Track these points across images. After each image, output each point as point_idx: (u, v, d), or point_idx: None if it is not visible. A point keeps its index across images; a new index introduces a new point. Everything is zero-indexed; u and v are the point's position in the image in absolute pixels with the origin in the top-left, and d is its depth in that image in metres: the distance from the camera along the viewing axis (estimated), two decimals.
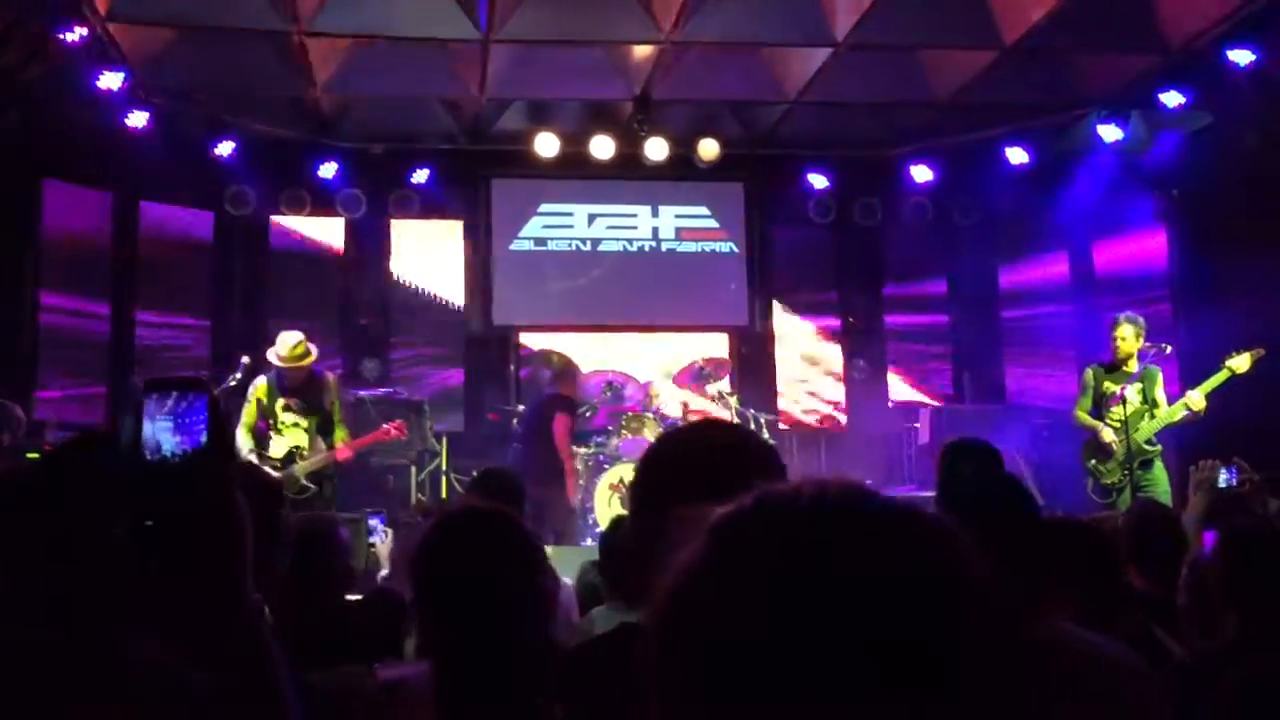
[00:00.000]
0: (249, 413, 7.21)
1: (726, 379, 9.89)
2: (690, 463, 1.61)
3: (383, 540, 7.89)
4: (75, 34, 7.76)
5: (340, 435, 7.30)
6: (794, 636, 0.70)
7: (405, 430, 7.95)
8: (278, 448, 7.18)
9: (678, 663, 0.74)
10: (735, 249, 11.33)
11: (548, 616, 2.07)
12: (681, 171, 10.68)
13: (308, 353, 7.24)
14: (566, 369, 8.97)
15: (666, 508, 1.62)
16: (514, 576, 1.92)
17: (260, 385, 7.24)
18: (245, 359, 7.63)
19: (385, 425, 7.74)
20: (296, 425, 7.21)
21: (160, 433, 1.27)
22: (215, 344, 10.36)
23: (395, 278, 10.99)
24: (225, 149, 9.76)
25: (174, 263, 10.37)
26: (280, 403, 7.20)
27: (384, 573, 7.43)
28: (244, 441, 7.07)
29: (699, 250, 11.32)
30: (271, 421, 7.21)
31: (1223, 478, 4.79)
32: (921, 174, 10.70)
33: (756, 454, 1.64)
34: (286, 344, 7.17)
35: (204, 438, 1.25)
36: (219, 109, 9.72)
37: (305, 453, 7.15)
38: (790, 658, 0.70)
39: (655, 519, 1.67)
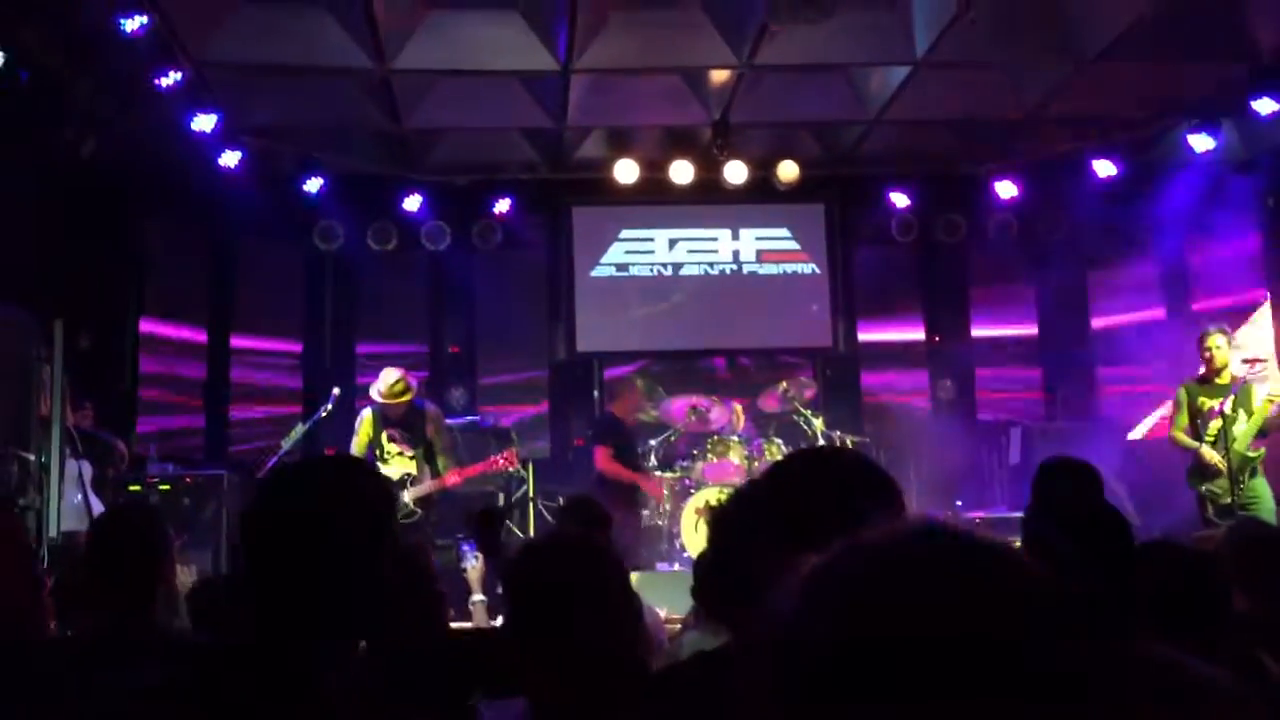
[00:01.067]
0: (358, 445, 7.56)
1: (811, 400, 9.83)
2: (811, 494, 1.64)
3: (473, 565, 8.01)
4: (170, 78, 8.03)
5: (444, 463, 7.58)
6: (876, 702, 0.70)
7: (514, 460, 8.21)
8: (388, 475, 7.39)
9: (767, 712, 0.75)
10: (817, 270, 11.28)
11: (633, 638, 2.07)
12: (761, 194, 10.67)
13: (408, 389, 7.55)
14: (622, 387, 9.08)
15: (781, 540, 1.65)
16: (595, 600, 1.93)
17: (366, 418, 7.59)
18: (336, 390, 7.88)
19: (495, 456, 8.00)
20: (402, 455, 7.55)
21: None
22: (307, 376, 10.63)
23: (479, 306, 11.13)
24: (314, 185, 10.00)
25: (268, 297, 10.66)
26: (385, 434, 7.52)
27: (476, 597, 7.54)
28: None
29: (780, 272, 11.29)
30: (378, 452, 7.52)
31: None
32: (1006, 190, 10.56)
33: (877, 486, 1.66)
34: (387, 381, 7.51)
35: None
36: (307, 147, 9.97)
37: (415, 478, 7.41)
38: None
39: (769, 550, 1.69)
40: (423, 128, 9.82)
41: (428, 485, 7.50)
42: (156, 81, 7.92)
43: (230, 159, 9.22)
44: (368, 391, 7.72)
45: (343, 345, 10.85)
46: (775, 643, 0.77)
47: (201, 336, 10.27)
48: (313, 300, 10.93)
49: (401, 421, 7.55)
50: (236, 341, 10.46)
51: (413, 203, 10.43)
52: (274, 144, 9.80)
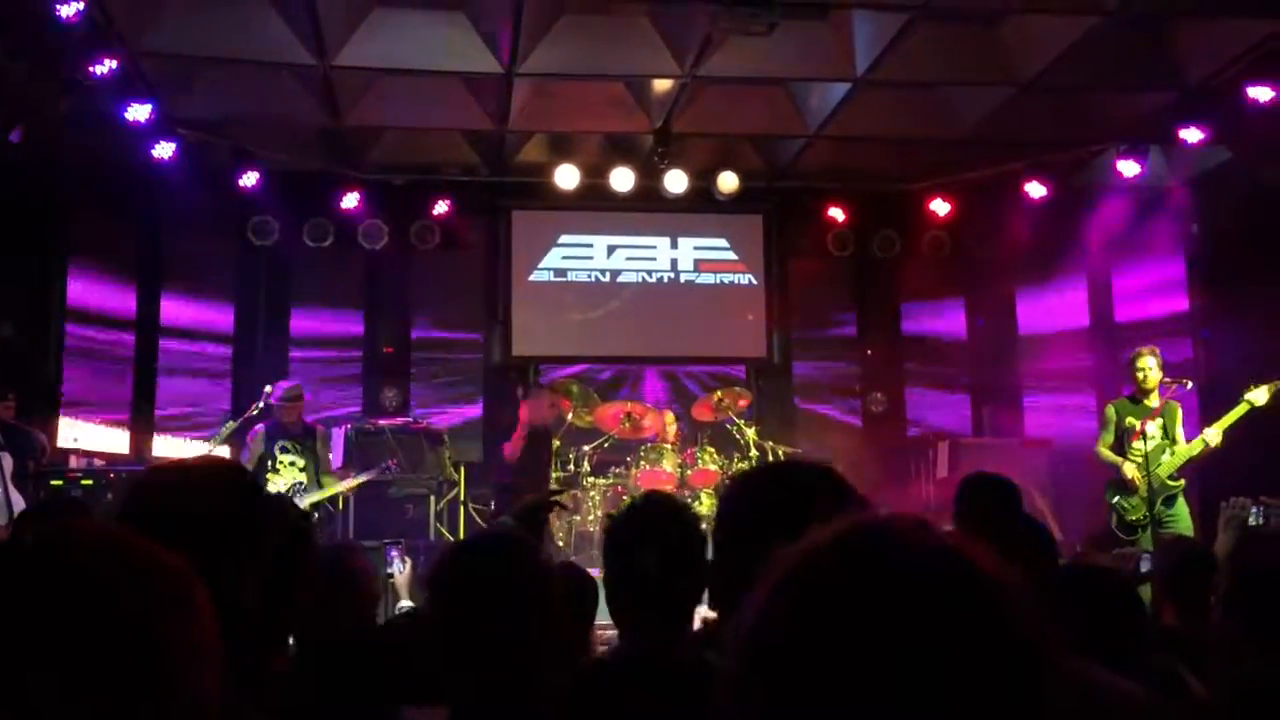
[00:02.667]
0: (249, 463, 7.74)
1: (745, 410, 9.90)
2: (772, 502, 1.67)
3: (400, 570, 7.97)
4: (105, 66, 7.87)
5: (328, 481, 7.89)
6: (853, 688, 0.72)
7: (404, 464, 8.48)
8: (275, 486, 7.62)
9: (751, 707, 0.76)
10: (754, 281, 11.37)
11: (560, 638, 2.08)
12: (701, 204, 10.74)
13: (301, 398, 7.97)
14: (529, 388, 9.24)
15: (745, 545, 1.68)
16: (521, 599, 1.93)
17: (258, 435, 7.84)
18: (268, 388, 7.85)
19: (385, 463, 8.34)
20: (294, 465, 7.75)
21: None
22: (237, 373, 10.49)
23: (415, 308, 11.06)
24: (249, 180, 9.87)
25: (200, 292, 10.49)
26: (277, 445, 7.76)
27: (404, 603, 7.48)
28: None
29: (718, 282, 11.37)
30: (270, 463, 7.73)
31: (1252, 515, 4.76)
32: (940, 207, 10.74)
33: (837, 494, 1.70)
34: (287, 388, 7.95)
35: None
36: (244, 140, 9.84)
37: (306, 486, 7.53)
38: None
39: (735, 555, 1.72)
40: (363, 125, 9.75)
41: (321, 493, 7.74)
42: (91, 69, 7.75)
43: (164, 151, 9.06)
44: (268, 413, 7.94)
45: (275, 343, 10.71)
46: (738, 642, 0.79)
47: (129, 331, 10.07)
48: (245, 297, 10.78)
49: (294, 433, 7.83)
50: (165, 337, 10.28)
51: (350, 201, 10.33)
52: (210, 137, 9.65)
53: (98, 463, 8.86)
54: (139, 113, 8.48)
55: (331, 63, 8.31)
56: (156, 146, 9.01)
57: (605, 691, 2.16)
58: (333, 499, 8.07)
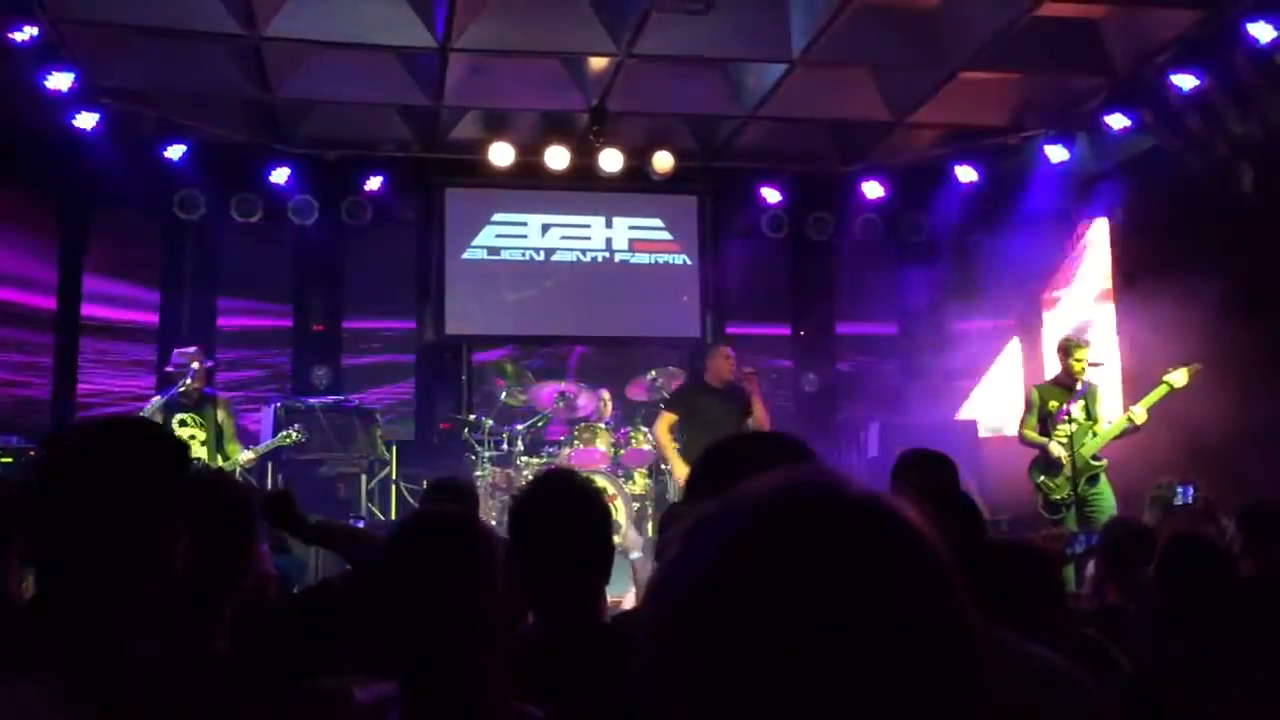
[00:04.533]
0: None
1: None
2: (738, 469, 1.69)
3: None
4: (25, 33, 7.65)
5: (233, 447, 7.85)
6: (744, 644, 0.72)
7: (301, 431, 8.33)
8: None
9: (672, 660, 0.76)
10: (688, 261, 11.39)
11: (504, 615, 2.08)
12: (636, 183, 10.72)
13: (199, 363, 7.85)
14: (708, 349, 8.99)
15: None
16: (476, 579, 1.93)
17: (155, 405, 7.77)
18: (195, 365, 7.76)
19: (287, 430, 8.26)
20: (193, 439, 7.66)
21: None
22: (163, 349, 10.28)
23: (346, 285, 10.93)
24: (176, 152, 9.66)
25: (124, 265, 10.26)
26: (176, 419, 7.68)
27: None
28: None
29: (652, 262, 11.37)
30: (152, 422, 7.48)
31: (1179, 495, 4.88)
32: (873, 190, 10.84)
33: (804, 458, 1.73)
34: (183, 352, 7.90)
35: None
36: (171, 112, 9.62)
37: (202, 462, 7.47)
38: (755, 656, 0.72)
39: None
40: (293, 98, 9.57)
41: (225, 464, 7.66)
42: (10, 35, 7.53)
43: (87, 121, 8.84)
44: (195, 373, 7.81)
45: (202, 319, 10.51)
46: (655, 589, 0.79)
47: (50, 304, 9.83)
48: (170, 271, 10.56)
49: (193, 405, 7.75)
50: (88, 311, 10.04)
51: (280, 175, 10.16)
52: (135, 107, 9.42)
53: (14, 440, 8.64)
54: (61, 81, 8.27)
55: (262, 33, 8.15)
56: (79, 116, 8.78)
57: (526, 668, 2.16)
58: (260, 476, 7.97)
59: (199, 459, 7.58)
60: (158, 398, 7.93)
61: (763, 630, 0.72)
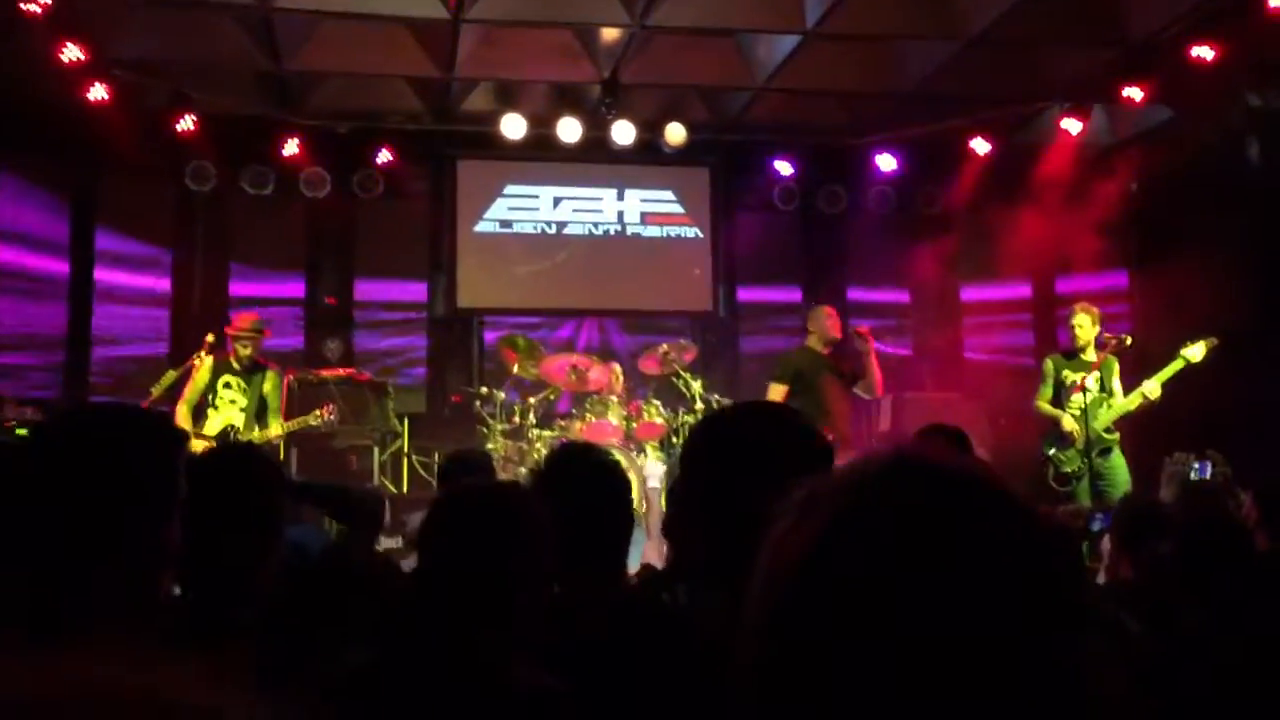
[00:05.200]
0: (192, 391, 7.60)
1: (690, 363, 9.91)
2: (744, 443, 1.70)
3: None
4: (37, 5, 7.63)
5: (274, 423, 7.70)
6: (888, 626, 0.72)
7: (334, 411, 8.10)
8: (212, 425, 7.52)
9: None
10: (700, 234, 11.36)
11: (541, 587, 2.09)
12: (648, 155, 10.68)
13: (260, 333, 7.77)
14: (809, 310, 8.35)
15: (711, 484, 1.70)
16: (525, 552, 1.95)
17: (205, 364, 7.63)
18: (210, 338, 7.74)
19: (319, 409, 8.01)
20: (234, 404, 7.59)
21: None
22: (175, 321, 10.31)
23: (358, 257, 10.92)
24: (187, 124, 9.63)
25: (136, 238, 10.27)
26: (221, 381, 7.58)
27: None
28: (184, 419, 7.47)
29: (664, 235, 11.34)
30: (210, 398, 7.58)
31: (1194, 470, 4.87)
32: (886, 163, 10.78)
33: (806, 435, 1.73)
34: (247, 320, 7.78)
35: None
36: (182, 84, 9.59)
37: (238, 430, 7.41)
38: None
39: (705, 493, 1.75)
40: (305, 70, 9.54)
41: (260, 434, 7.57)
42: (22, 7, 7.50)
43: (98, 92, 8.82)
44: (229, 340, 7.77)
45: (214, 290, 10.52)
46: (769, 566, 0.77)
47: (63, 274, 9.85)
48: (183, 244, 10.55)
49: (242, 370, 7.67)
50: (101, 279, 10.06)
51: (291, 147, 10.13)
52: (146, 79, 9.40)
53: (29, 412, 8.68)
54: (73, 53, 8.24)
55: (273, 4, 8.12)
56: (91, 88, 8.76)
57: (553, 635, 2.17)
58: (274, 449, 7.96)
59: (233, 426, 7.54)
60: (171, 371, 7.86)
61: (908, 628, 0.71)
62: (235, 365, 7.65)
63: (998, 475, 0.79)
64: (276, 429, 7.68)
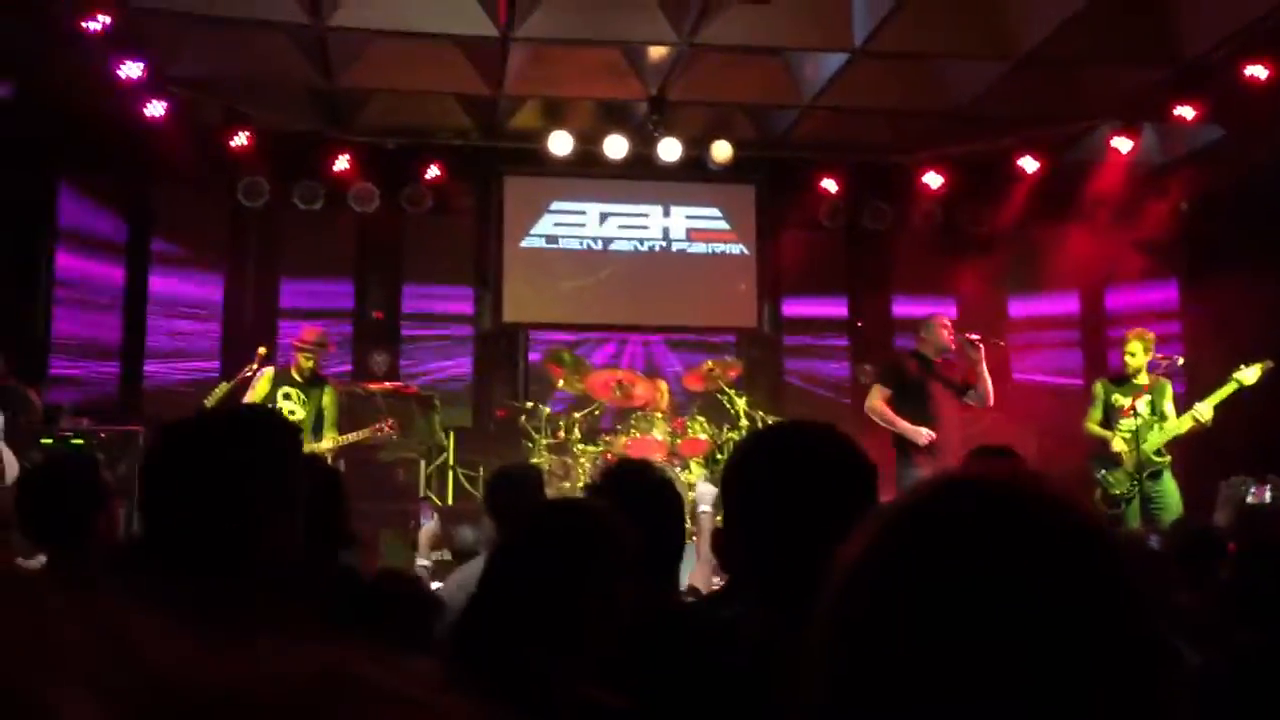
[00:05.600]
0: (251, 399, 7.61)
1: (735, 380, 9.90)
2: (788, 460, 1.70)
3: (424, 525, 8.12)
4: (98, 22, 7.79)
5: (330, 434, 7.75)
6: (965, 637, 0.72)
7: (396, 427, 8.21)
8: None
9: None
10: (746, 251, 11.37)
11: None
12: (694, 173, 10.71)
13: (324, 346, 7.84)
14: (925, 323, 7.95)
15: (757, 503, 1.71)
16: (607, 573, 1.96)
17: (265, 375, 7.68)
18: (261, 350, 7.83)
19: (378, 424, 8.07)
20: (293, 415, 7.56)
21: None
22: (227, 334, 10.44)
23: (406, 272, 11.03)
24: (240, 140, 9.79)
25: (189, 253, 10.44)
26: (281, 392, 7.62)
27: (420, 560, 7.53)
28: None
29: (709, 251, 11.36)
30: (270, 408, 7.47)
31: (1251, 494, 4.80)
32: (933, 181, 10.74)
33: (853, 453, 1.74)
34: (313, 331, 7.87)
35: None
36: (235, 100, 9.75)
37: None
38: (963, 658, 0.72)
39: (746, 512, 1.76)
40: (355, 87, 9.67)
41: (316, 446, 7.59)
42: (83, 25, 7.67)
43: (155, 109, 8.98)
44: (288, 353, 7.89)
45: (265, 305, 10.66)
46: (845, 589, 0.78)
47: (118, 285, 10.03)
48: (235, 257, 10.72)
49: (302, 382, 7.71)
50: (155, 293, 10.22)
51: (342, 163, 10.27)
52: (201, 95, 9.56)
53: (85, 422, 8.83)
54: (131, 70, 8.40)
55: (326, 23, 8.23)
56: (148, 105, 8.93)
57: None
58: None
59: None
60: (224, 384, 7.96)
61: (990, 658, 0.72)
62: (296, 377, 7.69)
63: (1068, 492, 0.80)
64: (329, 441, 7.73)
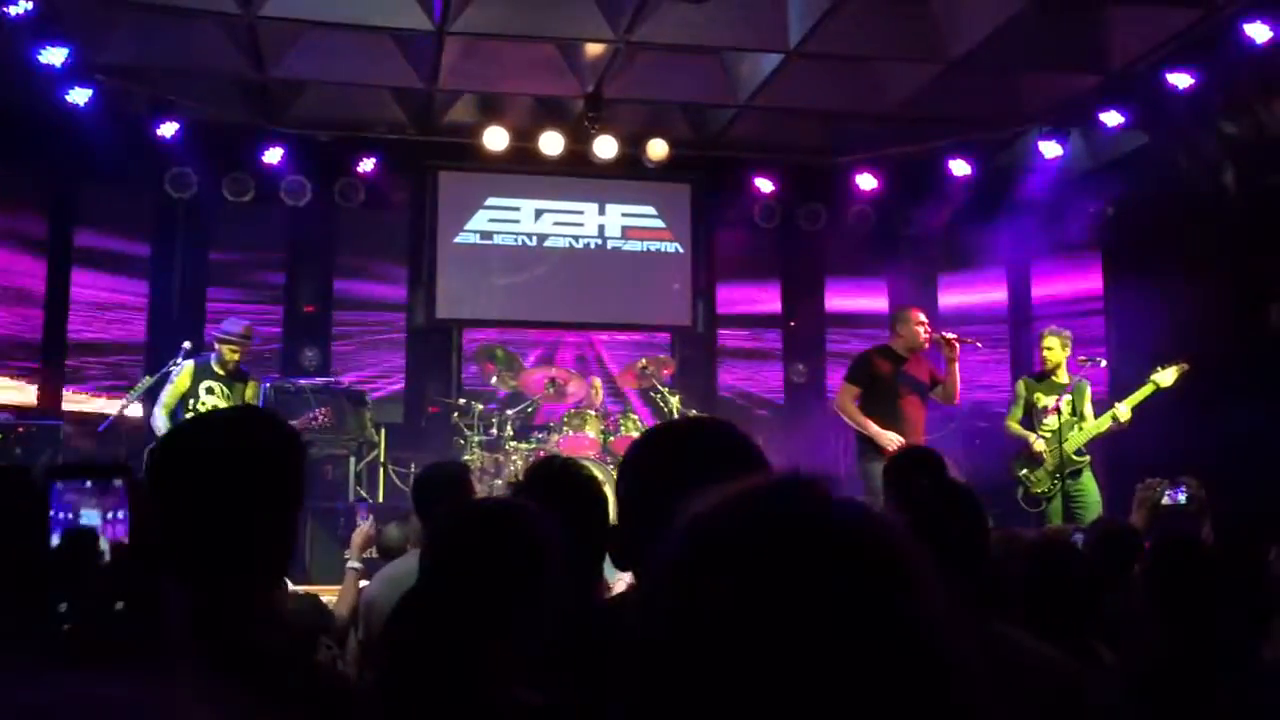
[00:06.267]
0: (171, 395, 7.51)
1: (668, 378, 9.93)
2: (680, 454, 1.70)
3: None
4: (19, 6, 7.60)
5: None
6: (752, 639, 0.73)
7: (330, 416, 8.15)
8: None
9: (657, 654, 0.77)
10: (680, 249, 11.40)
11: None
12: (630, 170, 10.71)
13: (249, 339, 7.72)
14: (898, 315, 7.86)
15: (654, 495, 1.71)
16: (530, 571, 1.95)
17: (186, 369, 7.57)
18: (186, 344, 7.69)
19: (311, 413, 8.01)
20: (215, 408, 7.36)
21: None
22: (152, 328, 10.24)
23: (339, 266, 10.90)
24: (168, 130, 9.60)
25: (114, 244, 10.21)
26: (203, 386, 7.53)
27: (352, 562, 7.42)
28: (162, 423, 7.36)
29: (644, 249, 11.38)
30: (192, 403, 7.49)
31: (1166, 496, 4.89)
32: (866, 182, 10.85)
33: (742, 447, 1.73)
34: (237, 326, 7.68)
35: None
36: (163, 89, 9.57)
37: None
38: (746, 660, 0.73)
39: (642, 505, 1.76)
40: (288, 78, 9.54)
41: None
42: (4, 9, 7.48)
43: (79, 97, 8.78)
44: (213, 345, 7.77)
45: (192, 298, 10.47)
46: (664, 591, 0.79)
47: (39, 281, 9.79)
48: (161, 250, 10.50)
49: (225, 376, 7.64)
50: (77, 288, 10.00)
51: (273, 155, 10.11)
52: (128, 84, 9.36)
53: (3, 416, 8.63)
54: (54, 56, 8.21)
55: (257, 12, 8.11)
56: (72, 92, 8.72)
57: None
58: None
59: None
60: (147, 378, 7.84)
61: (768, 656, 0.73)
62: (219, 371, 7.61)
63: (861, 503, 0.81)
64: None
